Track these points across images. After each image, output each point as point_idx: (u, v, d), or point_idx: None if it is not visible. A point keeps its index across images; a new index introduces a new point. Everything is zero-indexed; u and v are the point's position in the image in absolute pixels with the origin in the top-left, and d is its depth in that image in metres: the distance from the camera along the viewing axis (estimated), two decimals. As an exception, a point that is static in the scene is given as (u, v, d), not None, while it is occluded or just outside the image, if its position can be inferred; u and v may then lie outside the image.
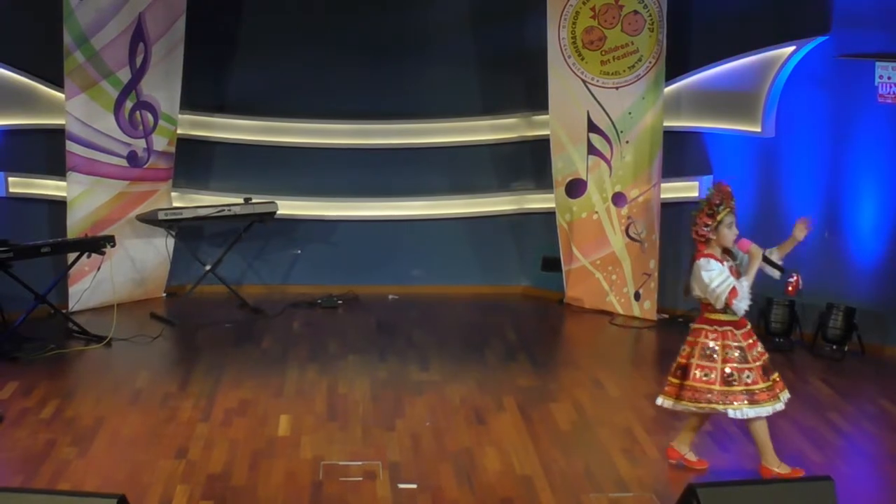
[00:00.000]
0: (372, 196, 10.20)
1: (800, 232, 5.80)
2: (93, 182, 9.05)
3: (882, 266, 8.21)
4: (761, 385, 5.65)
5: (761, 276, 5.74)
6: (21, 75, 8.82)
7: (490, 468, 5.91)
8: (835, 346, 8.21)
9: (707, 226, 5.65)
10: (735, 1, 8.87)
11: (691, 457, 5.93)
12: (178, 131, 9.62)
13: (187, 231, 9.68)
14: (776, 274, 5.79)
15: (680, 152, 9.25)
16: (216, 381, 7.39)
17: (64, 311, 8.84)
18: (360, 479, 5.74)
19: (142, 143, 9.33)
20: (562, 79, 9.31)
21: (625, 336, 8.99)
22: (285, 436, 6.37)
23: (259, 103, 10.03)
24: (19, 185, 9.00)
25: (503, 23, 10.03)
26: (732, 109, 8.88)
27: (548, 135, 9.55)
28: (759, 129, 8.76)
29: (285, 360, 7.96)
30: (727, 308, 5.62)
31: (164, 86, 9.37)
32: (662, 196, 9.13)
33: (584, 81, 9.25)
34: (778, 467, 5.72)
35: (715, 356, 5.65)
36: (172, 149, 9.58)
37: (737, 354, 5.64)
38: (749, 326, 5.77)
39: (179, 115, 9.57)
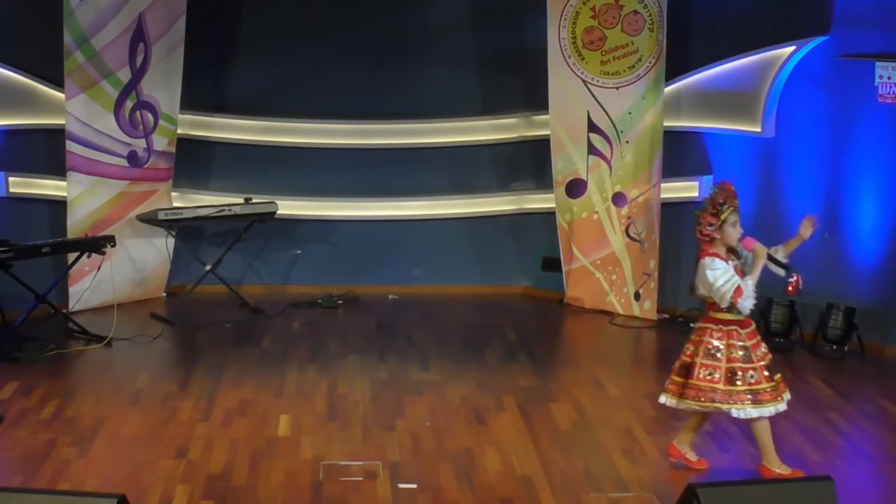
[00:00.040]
0: (372, 196, 10.20)
1: (806, 230, 5.79)
2: (93, 182, 9.05)
3: (882, 266, 8.21)
4: (765, 385, 5.64)
5: (764, 276, 5.73)
6: (21, 75, 8.83)
7: (490, 468, 5.91)
8: (835, 346, 8.22)
9: (711, 225, 5.64)
10: (735, 1, 8.87)
11: (692, 456, 5.93)
12: (179, 131, 9.62)
13: (187, 231, 9.68)
14: (781, 272, 5.77)
15: (680, 152, 9.25)
16: (216, 381, 7.39)
17: (64, 311, 8.84)
18: (361, 478, 5.74)
19: (142, 143, 9.34)
20: (562, 79, 9.32)
21: (625, 336, 9.00)
22: (285, 436, 6.37)
23: (259, 103, 10.03)
24: (19, 184, 9.00)
25: (503, 23, 10.03)
26: (732, 109, 8.88)
27: (548, 135, 9.55)
28: (759, 129, 8.76)
29: (285, 360, 7.96)
30: (732, 307, 5.61)
31: (164, 86, 9.37)
32: (662, 196, 9.14)
33: (584, 81, 9.26)
34: (779, 468, 5.72)
35: (719, 355, 5.64)
36: (173, 149, 9.58)
37: (741, 354, 5.63)
38: (754, 326, 5.77)
39: (180, 115, 9.57)
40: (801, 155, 8.61)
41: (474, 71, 10.12)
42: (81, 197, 9.00)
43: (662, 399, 5.88)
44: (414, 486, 5.65)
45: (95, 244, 8.43)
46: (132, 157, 9.30)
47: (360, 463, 5.94)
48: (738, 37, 8.76)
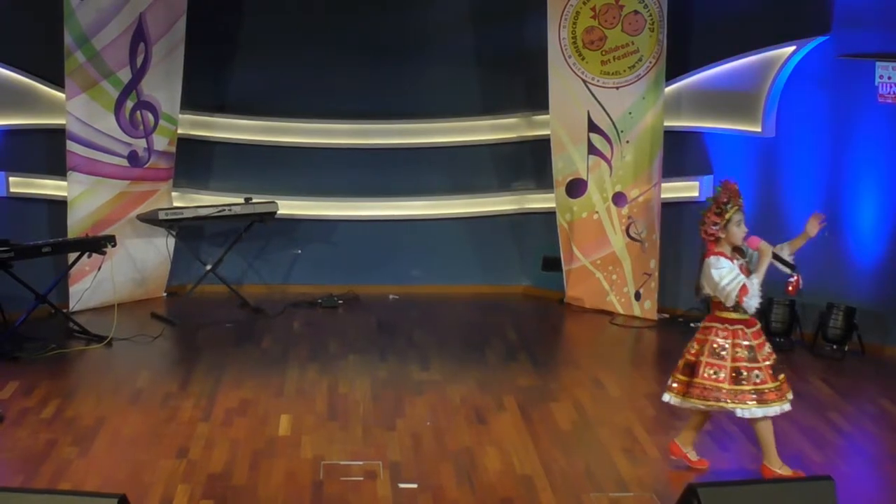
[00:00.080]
0: (372, 196, 10.20)
1: (812, 228, 5.79)
2: (93, 182, 9.05)
3: (882, 266, 8.21)
4: (770, 385, 5.64)
5: (765, 275, 5.72)
6: (22, 75, 8.83)
7: (490, 468, 5.91)
8: (835, 346, 8.22)
9: (716, 224, 5.64)
10: (735, 1, 8.87)
11: (693, 456, 5.93)
12: (179, 131, 9.63)
13: (188, 231, 9.68)
14: (787, 271, 5.77)
15: (680, 152, 9.25)
16: (217, 380, 7.39)
17: (64, 310, 8.85)
18: (361, 478, 5.74)
19: (142, 142, 9.34)
20: (562, 79, 9.32)
21: (625, 336, 9.00)
22: (286, 435, 6.37)
23: (259, 103, 10.04)
24: (20, 184, 9.01)
25: (503, 23, 10.04)
26: (733, 109, 8.88)
27: (548, 135, 9.55)
28: (759, 129, 8.76)
29: (286, 359, 7.96)
30: (738, 306, 5.61)
31: (164, 86, 9.37)
32: (663, 196, 9.14)
33: (584, 81, 9.26)
34: (780, 468, 5.71)
35: (725, 354, 5.63)
36: (173, 149, 9.59)
37: (746, 353, 5.63)
38: (759, 326, 5.77)
39: (180, 115, 9.57)
40: (802, 155, 8.61)
41: (474, 71, 10.13)
42: (82, 197, 9.00)
43: (666, 397, 5.88)
44: (414, 485, 5.65)
45: (96, 244, 8.43)
46: (132, 157, 9.30)
47: (361, 463, 5.94)
48: (738, 37, 8.76)
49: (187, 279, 9.85)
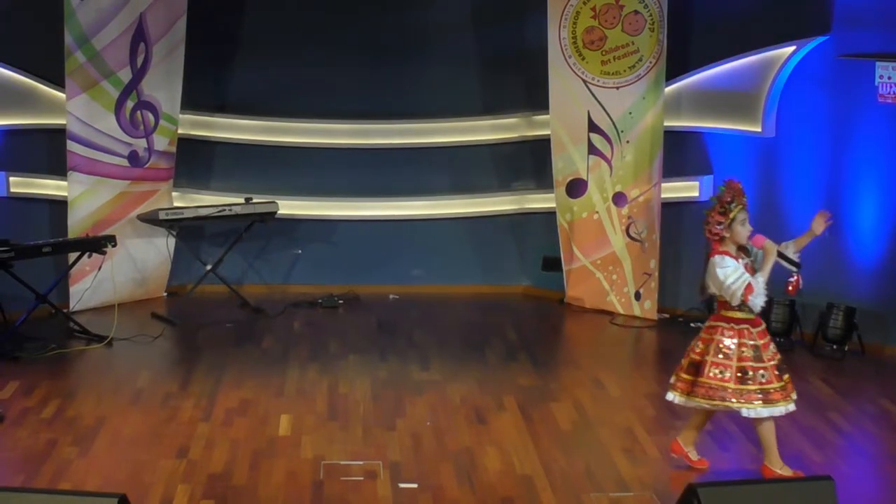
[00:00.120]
0: (372, 196, 10.20)
1: (818, 226, 5.79)
2: (94, 182, 9.05)
3: (882, 266, 8.21)
4: (775, 384, 5.63)
5: (770, 275, 5.70)
6: (22, 75, 8.83)
7: (491, 468, 5.91)
8: (835, 346, 8.22)
9: (720, 223, 5.63)
10: (735, 1, 8.87)
11: (693, 455, 5.93)
12: (179, 131, 9.63)
13: (188, 231, 9.69)
14: (793, 269, 5.76)
15: (680, 152, 9.25)
16: (217, 380, 7.40)
17: (65, 310, 8.85)
18: (361, 478, 5.75)
19: (143, 142, 9.34)
20: (562, 78, 9.32)
21: (625, 336, 9.00)
22: (286, 435, 6.37)
23: (259, 103, 10.04)
24: (20, 184, 9.01)
25: (503, 23, 10.04)
26: (733, 109, 8.88)
27: (548, 134, 9.55)
28: (759, 129, 8.76)
29: (286, 359, 7.97)
30: (743, 305, 5.60)
31: (164, 86, 9.37)
32: (663, 196, 9.14)
33: (584, 81, 9.26)
34: (780, 469, 5.71)
35: (730, 354, 5.63)
36: (173, 149, 9.59)
37: (752, 353, 5.62)
38: (764, 326, 5.76)
39: (180, 115, 9.57)
40: (802, 155, 8.61)
41: (474, 71, 10.13)
42: (82, 197, 9.00)
43: (670, 396, 5.87)
44: (414, 485, 5.66)
45: (96, 244, 8.43)
46: (133, 157, 9.31)
47: (361, 462, 5.95)
48: (738, 37, 8.76)
49: (188, 279, 9.85)
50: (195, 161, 9.97)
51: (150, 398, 7.02)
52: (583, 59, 9.23)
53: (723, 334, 5.67)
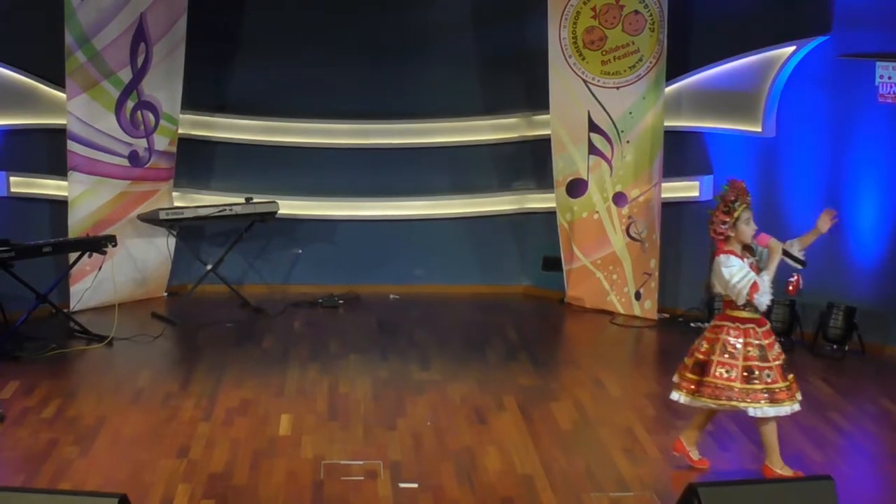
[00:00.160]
0: (373, 196, 10.21)
1: (824, 224, 5.79)
2: (94, 182, 9.06)
3: (882, 266, 8.22)
4: (781, 384, 5.63)
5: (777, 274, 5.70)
6: (22, 75, 8.83)
7: (491, 467, 5.91)
8: (835, 346, 8.22)
9: (725, 223, 5.62)
10: (735, 1, 8.88)
11: (694, 455, 5.93)
12: (180, 131, 9.63)
13: (188, 231, 9.69)
14: (798, 267, 5.76)
15: (680, 152, 9.25)
16: (217, 380, 7.40)
17: (65, 310, 8.85)
18: (362, 478, 5.75)
19: (143, 142, 9.34)
20: (563, 78, 9.32)
21: (625, 335, 9.00)
22: (286, 435, 6.38)
23: (259, 103, 10.04)
24: (21, 184, 9.01)
25: (503, 23, 10.04)
26: (733, 109, 8.89)
27: (548, 134, 9.55)
28: (759, 129, 8.76)
29: (286, 359, 7.97)
30: (749, 304, 5.60)
31: (165, 86, 9.38)
32: (663, 196, 9.14)
33: (584, 81, 9.26)
34: (781, 469, 5.71)
35: (736, 353, 5.63)
36: (174, 148, 9.59)
37: (758, 353, 5.62)
38: (769, 325, 5.76)
39: (181, 115, 9.58)
40: (802, 155, 8.61)
41: (474, 71, 10.13)
42: (82, 197, 9.01)
43: (675, 396, 5.86)
44: (415, 485, 5.66)
45: (96, 244, 8.43)
46: (133, 157, 9.31)
47: (361, 462, 5.95)
48: (738, 37, 8.76)
49: (188, 279, 9.86)
50: (195, 161, 9.97)
51: (151, 398, 7.03)
52: (583, 59, 9.24)
53: (728, 334, 5.66)
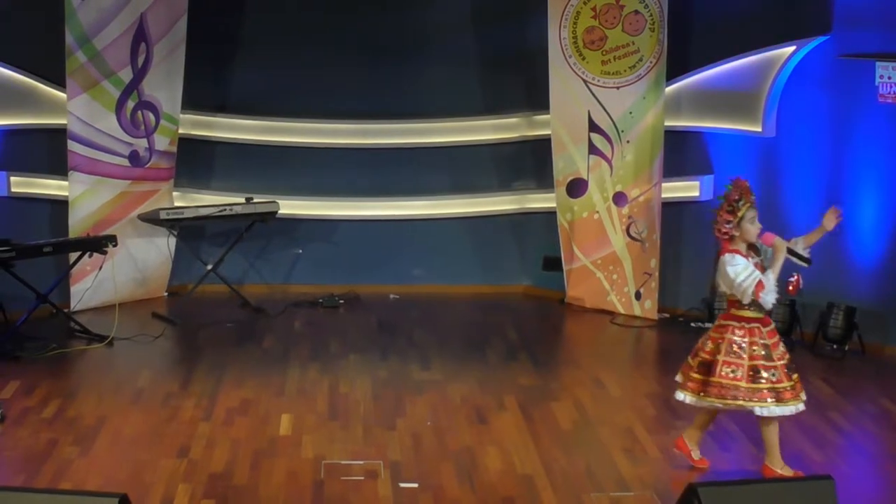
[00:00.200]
0: (373, 196, 10.21)
1: (829, 222, 5.78)
2: (94, 182, 9.06)
3: (882, 266, 8.22)
4: (785, 384, 5.63)
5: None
6: (23, 75, 8.83)
7: (491, 467, 5.92)
8: (835, 346, 8.23)
9: (729, 222, 5.62)
10: (735, 1, 8.88)
11: (696, 455, 5.93)
12: (180, 131, 9.63)
13: (189, 230, 9.69)
14: (804, 265, 5.76)
15: (681, 152, 9.25)
16: (218, 380, 7.40)
17: (66, 310, 8.85)
18: (362, 478, 5.75)
19: (143, 142, 9.35)
20: (563, 78, 9.32)
21: (626, 335, 9.00)
22: (287, 435, 6.38)
23: (260, 103, 10.04)
24: (21, 184, 9.01)
25: (503, 23, 10.04)
26: (733, 109, 8.89)
27: (549, 134, 9.56)
28: (759, 129, 8.76)
29: (287, 359, 7.97)
30: (754, 304, 5.60)
31: (165, 86, 9.38)
32: (663, 195, 9.14)
33: (584, 81, 9.27)
34: (781, 469, 5.71)
35: (742, 353, 5.63)
36: (174, 148, 9.60)
37: (763, 352, 5.62)
38: (773, 325, 5.75)
39: (181, 115, 9.58)
40: (802, 155, 8.61)
41: (474, 71, 10.13)
42: (83, 196, 9.01)
43: (680, 396, 5.85)
44: (415, 485, 5.66)
45: (97, 244, 8.44)
46: (134, 157, 9.31)
47: (362, 462, 5.95)
48: (738, 37, 8.76)
49: (188, 279, 9.86)
50: (196, 161, 9.98)
51: (151, 398, 7.03)
52: (583, 58, 9.24)
53: (734, 333, 5.66)
